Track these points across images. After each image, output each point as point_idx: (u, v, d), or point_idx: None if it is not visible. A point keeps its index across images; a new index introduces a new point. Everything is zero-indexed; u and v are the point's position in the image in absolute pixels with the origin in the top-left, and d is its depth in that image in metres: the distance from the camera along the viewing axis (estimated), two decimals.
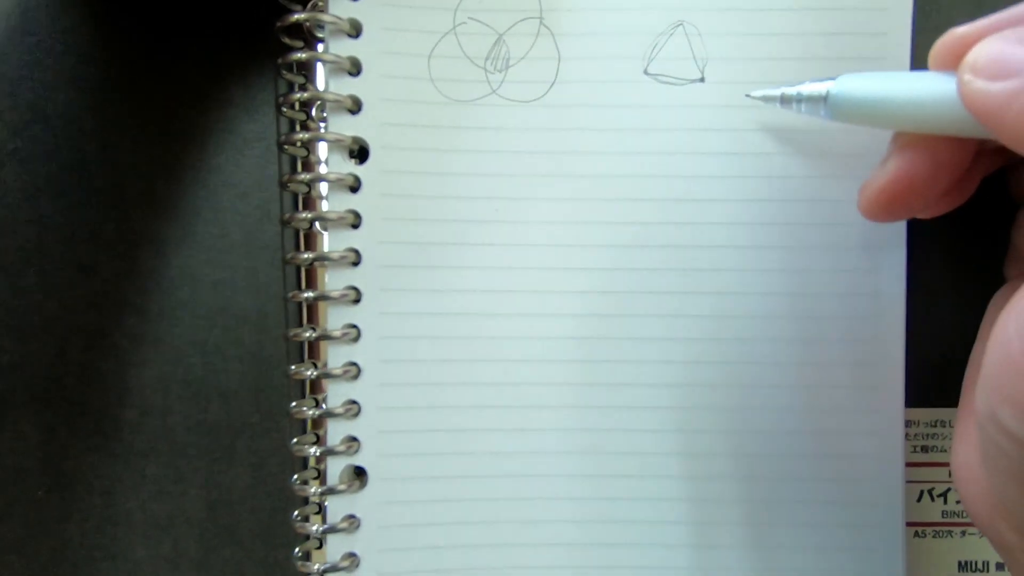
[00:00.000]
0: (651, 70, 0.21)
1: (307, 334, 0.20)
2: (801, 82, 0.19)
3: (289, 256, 0.20)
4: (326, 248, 0.21)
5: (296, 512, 0.21)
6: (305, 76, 0.21)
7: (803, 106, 0.19)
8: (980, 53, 0.14)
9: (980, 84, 0.14)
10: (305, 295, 0.20)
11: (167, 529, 0.22)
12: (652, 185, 0.21)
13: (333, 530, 0.20)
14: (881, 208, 0.18)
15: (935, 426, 0.22)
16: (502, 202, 0.21)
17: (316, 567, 0.20)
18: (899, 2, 0.20)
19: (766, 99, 0.20)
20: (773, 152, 0.21)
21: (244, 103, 0.22)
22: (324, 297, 0.20)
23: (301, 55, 0.20)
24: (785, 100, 0.19)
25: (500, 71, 0.21)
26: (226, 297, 0.22)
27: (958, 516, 0.22)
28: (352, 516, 0.20)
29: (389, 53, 0.21)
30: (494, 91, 0.21)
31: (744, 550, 0.21)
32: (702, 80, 0.21)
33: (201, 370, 0.22)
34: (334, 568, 0.20)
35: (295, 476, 0.20)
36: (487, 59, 0.21)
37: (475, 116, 0.21)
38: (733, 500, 0.21)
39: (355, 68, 0.21)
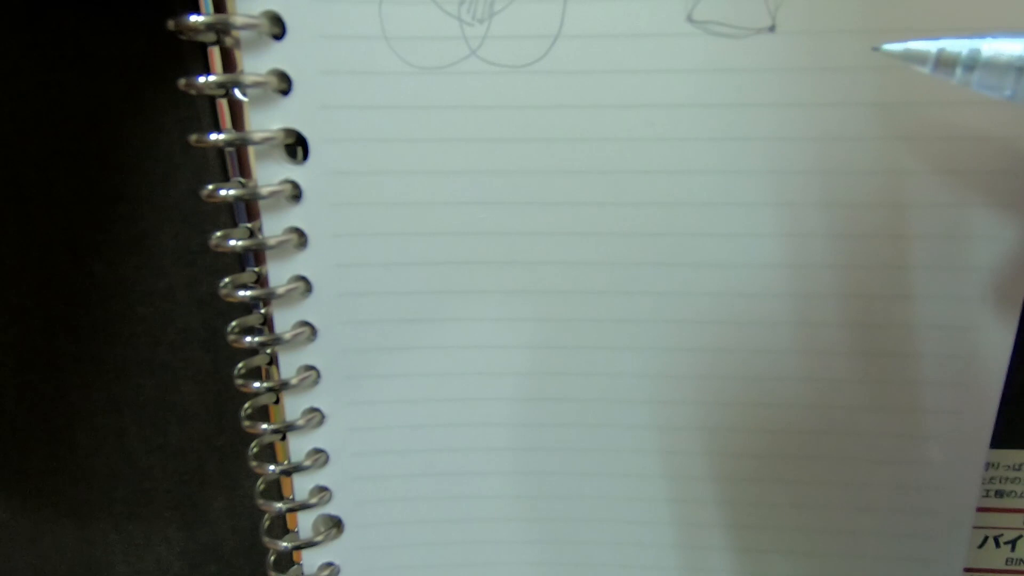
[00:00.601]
0: (698, 16, 0.14)
1: (258, 385, 0.17)
2: (979, 35, 0.11)
3: (224, 290, 0.16)
4: (268, 272, 0.16)
5: (271, 557, 0.19)
6: (219, 43, 0.15)
7: (976, 75, 0.11)
8: None
9: None
10: (250, 339, 0.16)
11: (147, 547, 0.21)
12: (691, 184, 0.16)
13: None
14: None
15: (1018, 470, 0.18)
16: (486, 207, 0.16)
17: None
18: None
19: (907, 58, 0.12)
20: (871, 137, 0.15)
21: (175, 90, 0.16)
22: (277, 341, 0.16)
23: (199, 17, 0.14)
24: (944, 63, 0.12)
25: (481, 21, 0.15)
26: (166, 310, 0.18)
27: None
28: (330, 563, 0.18)
29: (323, 3, 0.15)
30: (473, 52, 0.15)
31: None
32: (772, 30, 0.14)
33: (153, 390, 0.19)
34: None
35: (265, 524, 0.18)
36: (462, 4, 0.15)
37: (447, 89, 0.15)
38: (790, 528, 0.18)
39: (278, 28, 0.15)
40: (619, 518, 0.18)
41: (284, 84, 0.15)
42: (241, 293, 0.16)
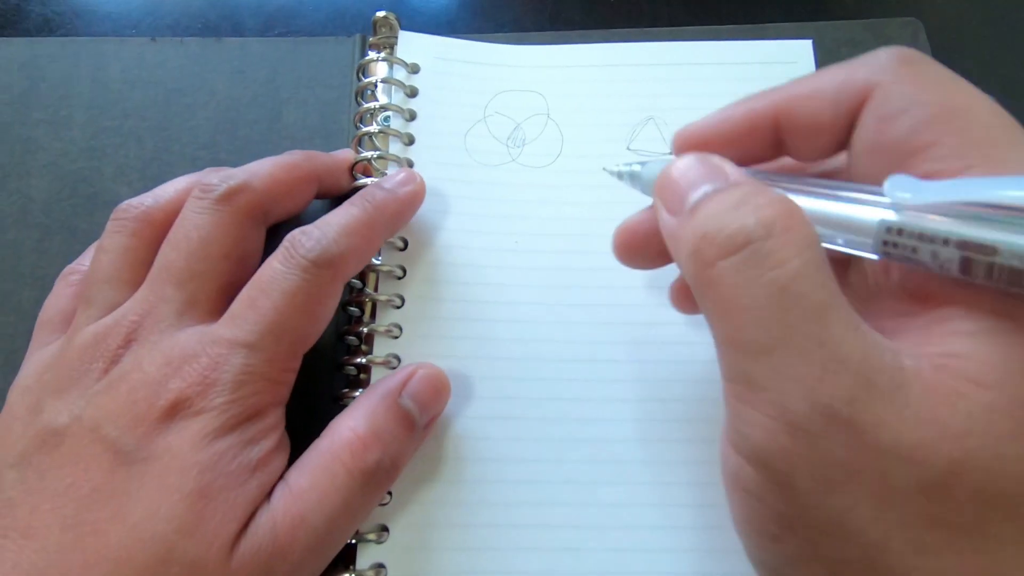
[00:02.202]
0: (632, 147, 0.28)
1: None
2: (631, 164, 0.22)
3: None
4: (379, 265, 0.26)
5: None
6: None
7: (626, 179, 0.22)
8: (662, 180, 0.18)
9: (663, 214, 0.18)
10: (367, 292, 0.25)
11: None
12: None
13: None
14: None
15: None
16: (519, 236, 0.27)
17: None
18: None
19: (610, 172, 0.22)
20: None
21: None
22: (375, 299, 0.25)
23: (371, 128, 0.27)
24: (620, 175, 0.22)
25: (518, 147, 0.28)
26: None
27: None
28: (381, 564, 0.22)
29: (435, 133, 0.28)
30: (514, 159, 0.28)
31: None
32: (671, 154, 0.28)
33: None
34: None
35: None
36: (508, 139, 0.28)
37: (499, 175, 0.27)
38: None
39: (409, 140, 0.27)
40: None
41: (409, 163, 0.27)
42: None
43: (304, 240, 0.21)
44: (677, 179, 0.18)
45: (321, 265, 0.21)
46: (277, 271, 0.21)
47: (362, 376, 0.24)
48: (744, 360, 0.15)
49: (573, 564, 0.23)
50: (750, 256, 0.15)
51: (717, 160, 0.18)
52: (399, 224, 0.25)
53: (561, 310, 0.26)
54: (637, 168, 0.21)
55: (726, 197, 0.16)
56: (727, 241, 0.15)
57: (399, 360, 0.24)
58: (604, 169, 0.23)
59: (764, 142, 0.19)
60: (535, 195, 0.27)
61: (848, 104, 0.17)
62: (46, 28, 0.30)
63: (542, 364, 0.25)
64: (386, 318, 0.25)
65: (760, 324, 0.15)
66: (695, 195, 0.17)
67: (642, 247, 0.22)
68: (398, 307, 0.25)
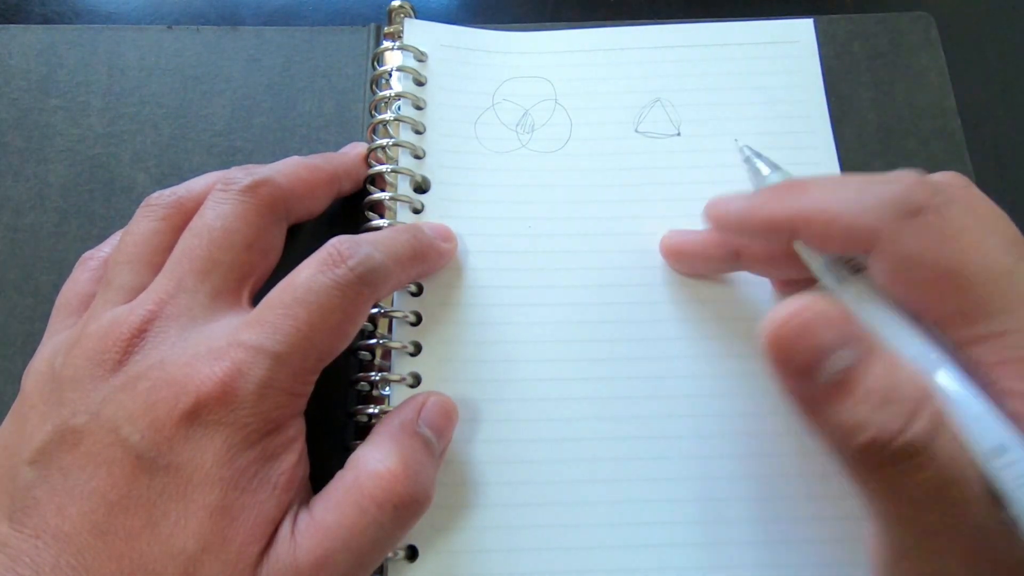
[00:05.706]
0: (640, 129, 0.28)
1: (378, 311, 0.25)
2: (760, 156, 0.24)
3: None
4: None
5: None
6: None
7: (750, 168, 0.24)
8: (778, 335, 0.16)
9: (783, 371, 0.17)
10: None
11: None
12: (645, 206, 0.27)
13: None
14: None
15: None
16: (532, 221, 0.27)
17: None
18: (811, 78, 0.28)
19: (739, 148, 0.24)
20: (732, 181, 0.27)
21: None
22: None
23: (386, 116, 0.27)
24: (746, 159, 0.24)
25: (528, 132, 0.28)
26: None
27: None
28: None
29: (445, 120, 0.28)
30: (524, 145, 0.28)
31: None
32: (679, 135, 0.28)
33: None
34: None
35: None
36: (518, 125, 0.29)
37: (509, 161, 0.28)
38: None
39: (419, 128, 0.28)
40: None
41: (421, 153, 0.28)
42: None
43: (352, 251, 0.20)
44: (798, 343, 0.16)
45: (366, 283, 0.20)
46: (317, 282, 0.20)
47: (374, 392, 0.24)
48: (909, 538, 0.17)
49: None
50: (918, 461, 0.15)
51: (831, 313, 0.16)
52: (424, 272, 0.25)
53: (574, 293, 0.26)
54: (765, 171, 0.22)
55: (873, 385, 0.16)
56: (896, 453, 0.15)
57: (418, 347, 0.25)
58: (736, 141, 0.25)
59: (778, 239, 0.21)
60: (546, 180, 0.28)
61: (858, 244, 0.18)
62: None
63: (557, 347, 0.25)
64: (404, 305, 0.25)
65: (927, 511, 0.16)
66: (828, 369, 0.16)
67: (686, 260, 0.25)
68: (415, 294, 0.25)
